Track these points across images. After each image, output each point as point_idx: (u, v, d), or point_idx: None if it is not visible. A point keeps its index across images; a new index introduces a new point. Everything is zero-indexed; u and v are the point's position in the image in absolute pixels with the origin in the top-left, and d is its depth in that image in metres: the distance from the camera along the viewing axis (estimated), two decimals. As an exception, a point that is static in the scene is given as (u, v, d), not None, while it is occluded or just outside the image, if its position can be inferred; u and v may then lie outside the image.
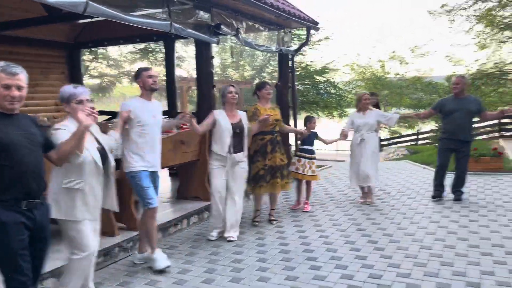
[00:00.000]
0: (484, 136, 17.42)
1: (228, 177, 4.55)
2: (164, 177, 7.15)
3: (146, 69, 3.85)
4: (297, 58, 19.28)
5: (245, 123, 4.61)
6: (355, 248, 4.22)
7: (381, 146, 20.43)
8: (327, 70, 20.77)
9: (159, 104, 4.04)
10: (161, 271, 3.72)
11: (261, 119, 4.64)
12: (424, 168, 9.40)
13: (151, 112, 3.78)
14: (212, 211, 4.64)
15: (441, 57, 25.60)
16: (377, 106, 7.20)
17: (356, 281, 3.45)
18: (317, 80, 20.55)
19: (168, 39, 7.80)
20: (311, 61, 20.51)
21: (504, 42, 19.40)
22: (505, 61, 19.52)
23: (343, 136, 5.84)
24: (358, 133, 5.94)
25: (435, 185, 6.17)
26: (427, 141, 18.44)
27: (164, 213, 5.19)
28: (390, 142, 21.11)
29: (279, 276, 3.61)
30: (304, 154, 5.69)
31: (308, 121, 5.84)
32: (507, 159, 10.16)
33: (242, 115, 4.65)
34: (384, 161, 13.49)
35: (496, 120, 16.15)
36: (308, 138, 5.72)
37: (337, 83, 22.17)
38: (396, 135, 22.54)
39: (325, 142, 6.11)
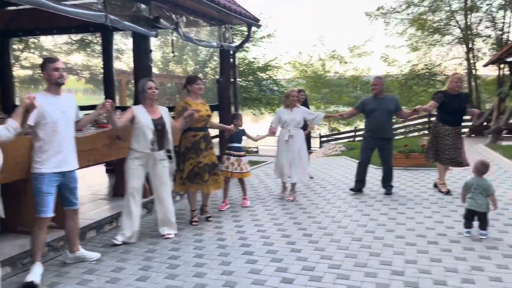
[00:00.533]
0: (415, 134, 18.49)
1: (150, 176, 4.43)
2: (101, 173, 6.93)
3: (52, 60, 3.51)
4: (240, 54, 19.39)
5: (167, 120, 4.47)
6: (290, 241, 4.33)
7: (321, 142, 21.14)
8: (270, 67, 21.03)
9: (71, 97, 3.75)
10: (28, 285, 3.35)
11: (186, 114, 4.53)
12: (359, 163, 9.82)
13: (60, 108, 3.50)
14: (124, 213, 4.36)
15: (378, 57, 26.76)
16: (305, 103, 7.40)
17: (290, 273, 3.55)
18: (260, 77, 20.75)
19: (106, 31, 7.53)
20: (254, 58, 20.67)
21: (434, 45, 20.68)
22: (434, 63, 20.85)
23: (271, 132, 5.92)
24: (286, 129, 6.06)
25: (356, 180, 6.54)
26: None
27: (99, 210, 5.04)
28: (330, 138, 21.84)
29: (215, 271, 3.63)
30: (232, 152, 5.64)
31: (235, 118, 5.74)
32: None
33: (163, 111, 4.49)
34: (323, 157, 13.90)
35: (415, 118, 17.24)
36: (236, 135, 5.66)
37: (280, 81, 22.53)
38: (335, 132, 23.35)
39: (253, 139, 6.15)
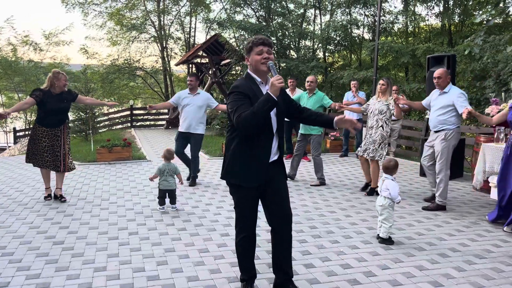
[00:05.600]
0: (120, 126, 18.96)
1: None
2: None
3: None
4: None
5: None
6: (-22, 259, 3.82)
7: (16, 137, 18.83)
8: None
9: None
10: None
11: None
12: None
13: None
14: None
15: (78, 47, 25.78)
16: None
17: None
18: None
19: None
20: None
21: (132, 41, 21.59)
22: (134, 58, 21.81)
23: None
24: None
25: None
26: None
27: None
28: (28, 133, 19.73)
29: None
30: None
31: None
32: (136, 147, 11.52)
33: None
34: (19, 155, 12.50)
35: (119, 111, 17.94)
36: None
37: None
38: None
39: None
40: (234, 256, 3.93)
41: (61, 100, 5.74)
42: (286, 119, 3.13)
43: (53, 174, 6.26)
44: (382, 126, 6.12)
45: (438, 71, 5.61)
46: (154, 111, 7.91)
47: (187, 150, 6.95)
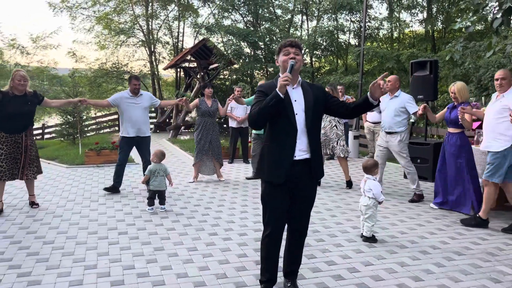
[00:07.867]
0: (107, 130, 18.90)
1: None
2: None
3: None
4: None
5: None
6: (-32, 259, 3.86)
7: None
8: None
9: None
10: None
11: None
12: (49, 163, 9.38)
13: None
14: None
15: (66, 51, 25.65)
16: None
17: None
18: None
19: None
20: None
21: (120, 45, 21.59)
22: (122, 62, 21.81)
23: None
24: None
25: None
26: (53, 135, 18.27)
27: None
28: None
29: None
30: None
31: None
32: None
33: None
34: None
35: (107, 114, 17.85)
36: None
37: None
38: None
39: None
40: (222, 254, 4.03)
41: (25, 103, 5.27)
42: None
43: (21, 184, 6.28)
44: (335, 125, 7.01)
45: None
46: (85, 105, 7.86)
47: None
